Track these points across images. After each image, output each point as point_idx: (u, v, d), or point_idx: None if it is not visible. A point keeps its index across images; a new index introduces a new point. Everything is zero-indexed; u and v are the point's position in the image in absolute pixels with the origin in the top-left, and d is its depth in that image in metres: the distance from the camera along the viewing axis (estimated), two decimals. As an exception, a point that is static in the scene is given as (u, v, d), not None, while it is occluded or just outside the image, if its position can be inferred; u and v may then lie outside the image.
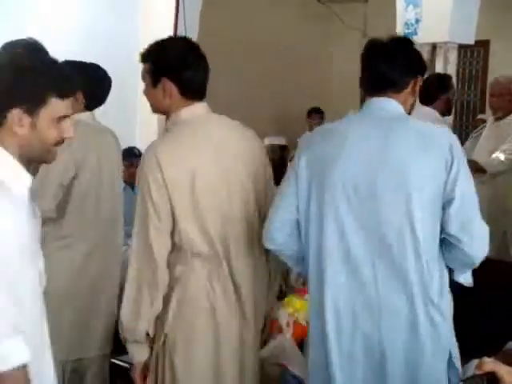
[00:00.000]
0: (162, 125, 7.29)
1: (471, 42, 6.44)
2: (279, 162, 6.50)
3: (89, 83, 3.29)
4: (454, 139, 2.46)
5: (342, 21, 8.92)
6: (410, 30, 6.26)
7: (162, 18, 7.18)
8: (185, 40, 2.84)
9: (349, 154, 2.46)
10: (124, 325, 2.57)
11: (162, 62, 2.68)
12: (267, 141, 6.68)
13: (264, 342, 2.81)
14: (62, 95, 1.93)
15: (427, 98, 4.83)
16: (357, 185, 2.43)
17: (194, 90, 2.68)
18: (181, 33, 7.02)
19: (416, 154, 2.40)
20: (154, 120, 7.40)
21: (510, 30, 8.21)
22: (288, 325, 3.14)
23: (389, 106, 2.54)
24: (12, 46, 2.40)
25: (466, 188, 2.40)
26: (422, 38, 6.01)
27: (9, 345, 1.76)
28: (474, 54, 8.77)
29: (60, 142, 1.96)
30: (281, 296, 4.07)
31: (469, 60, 8.87)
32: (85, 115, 3.46)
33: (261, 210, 2.69)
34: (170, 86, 2.62)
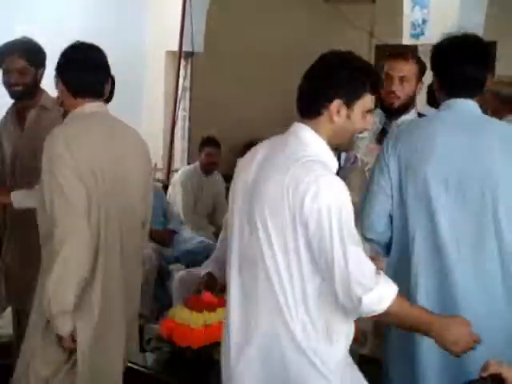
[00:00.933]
0: (168, 124, 7.35)
1: (478, 42, 6.43)
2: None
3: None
4: None
5: (350, 21, 8.91)
6: (416, 31, 6.25)
7: (169, 18, 7.19)
8: (80, 43, 3.09)
9: (440, 153, 2.58)
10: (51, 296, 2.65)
11: (58, 64, 3.00)
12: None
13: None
14: (374, 91, 2.25)
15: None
16: (447, 182, 2.56)
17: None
18: (187, 33, 7.03)
19: (502, 156, 2.56)
20: (160, 119, 7.43)
21: (518, 32, 8.19)
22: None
23: (472, 106, 2.70)
24: None
25: None
26: (428, 39, 5.99)
27: (380, 289, 2.08)
28: (482, 55, 8.74)
29: (361, 132, 2.34)
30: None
31: (476, 61, 8.84)
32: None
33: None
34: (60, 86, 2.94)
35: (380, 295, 2.09)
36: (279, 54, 8.60)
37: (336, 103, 2.20)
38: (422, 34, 6.18)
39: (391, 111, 3.50)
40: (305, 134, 2.24)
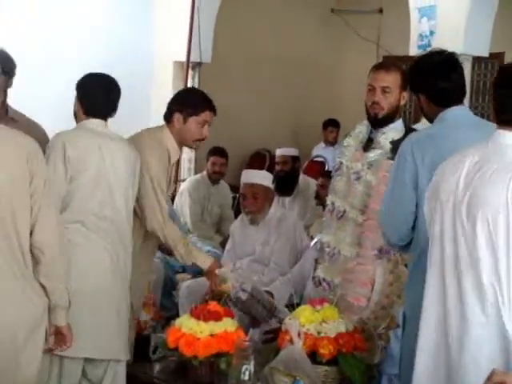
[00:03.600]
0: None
1: (486, 54, 6.44)
2: (291, 172, 6.51)
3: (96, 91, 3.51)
4: None
5: (357, 32, 8.93)
6: (424, 42, 6.27)
7: (177, 29, 7.21)
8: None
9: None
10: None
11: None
12: (279, 152, 6.68)
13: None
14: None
15: None
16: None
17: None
18: (195, 44, 7.06)
19: None
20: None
21: (525, 43, 8.19)
22: (299, 335, 3.14)
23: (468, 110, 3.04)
24: None
25: None
26: (435, 50, 6.01)
27: None
28: (489, 66, 8.75)
29: None
30: (293, 307, 4.07)
31: (483, 72, 8.84)
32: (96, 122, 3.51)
33: None
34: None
35: None
36: (287, 65, 8.62)
37: None
38: (429, 45, 6.19)
39: (376, 121, 3.53)
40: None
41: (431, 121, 3.05)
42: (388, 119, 3.51)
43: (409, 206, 2.86)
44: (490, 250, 2.21)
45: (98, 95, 3.50)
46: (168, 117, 3.82)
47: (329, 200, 3.66)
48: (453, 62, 3.04)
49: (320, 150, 8.41)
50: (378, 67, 3.61)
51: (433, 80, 2.97)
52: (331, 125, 8.58)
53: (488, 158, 2.28)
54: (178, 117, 3.78)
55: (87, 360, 3.30)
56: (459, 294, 2.27)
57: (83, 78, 3.55)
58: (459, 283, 2.28)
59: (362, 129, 3.63)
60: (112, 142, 3.47)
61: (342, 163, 3.63)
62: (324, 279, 3.59)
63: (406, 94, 3.53)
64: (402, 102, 3.56)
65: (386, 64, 3.66)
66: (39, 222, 2.61)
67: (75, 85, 3.54)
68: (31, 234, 2.61)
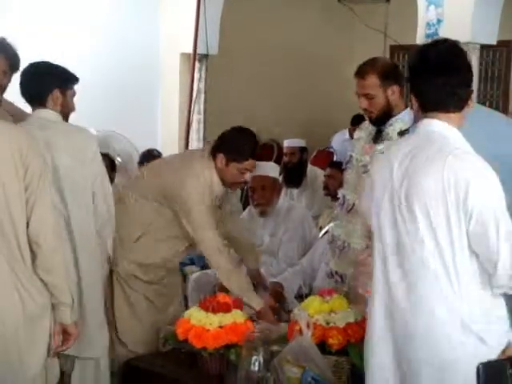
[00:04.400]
0: (183, 126, 7.35)
1: (493, 42, 6.40)
2: (299, 163, 6.50)
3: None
4: None
5: (363, 21, 8.89)
6: (431, 31, 6.23)
7: (183, 21, 7.20)
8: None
9: None
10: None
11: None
12: (286, 143, 6.67)
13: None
14: None
15: None
16: None
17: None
18: (202, 35, 7.04)
19: None
20: (175, 122, 7.44)
21: (533, 30, 8.14)
22: (308, 326, 3.14)
23: None
24: None
25: None
26: (443, 39, 5.98)
27: None
28: (497, 54, 8.70)
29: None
30: (302, 298, 4.07)
31: (491, 60, 8.80)
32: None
33: None
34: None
35: None
36: (293, 55, 8.60)
37: None
38: (437, 33, 6.15)
39: (375, 122, 3.53)
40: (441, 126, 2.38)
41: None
42: (385, 117, 3.47)
43: None
44: (432, 236, 2.29)
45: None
46: (213, 152, 3.79)
47: (340, 193, 3.67)
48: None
49: (340, 141, 8.22)
50: (355, 74, 3.52)
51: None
52: (360, 120, 8.39)
53: (420, 145, 2.36)
54: (221, 158, 3.76)
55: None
56: (403, 278, 2.36)
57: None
58: (403, 268, 2.36)
59: (363, 134, 3.63)
60: None
61: (351, 156, 3.63)
62: (336, 272, 3.60)
63: (395, 87, 3.46)
64: (393, 97, 3.46)
65: (361, 69, 3.49)
66: (34, 214, 2.57)
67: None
68: (27, 226, 2.58)
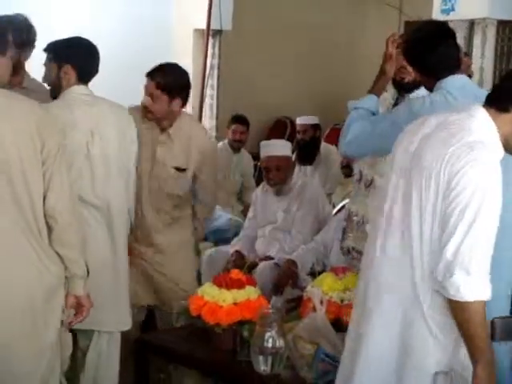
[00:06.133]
0: (196, 102, 7.30)
1: (511, 17, 6.33)
2: (312, 140, 6.48)
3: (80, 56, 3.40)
4: None
5: (378, -2, 8.80)
6: (447, 6, 6.17)
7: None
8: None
9: None
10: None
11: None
12: (299, 120, 6.64)
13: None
14: None
15: None
16: None
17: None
18: (215, 11, 7.00)
19: None
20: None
21: (551, 6, 8.04)
22: (321, 303, 3.14)
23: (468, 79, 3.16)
24: None
25: None
26: (459, 15, 5.92)
27: (477, 280, 2.09)
28: (514, 30, 8.60)
29: None
30: (315, 275, 4.07)
31: (508, 36, 8.69)
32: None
33: None
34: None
35: (473, 284, 2.08)
36: (307, 32, 8.53)
37: None
38: (453, 9, 6.09)
39: (402, 86, 3.48)
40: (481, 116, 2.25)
41: (431, 90, 3.05)
42: (414, 83, 3.45)
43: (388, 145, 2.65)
44: (419, 214, 2.21)
45: (90, 60, 3.43)
46: None
47: (356, 169, 3.64)
48: (441, 34, 3.02)
49: None
50: (401, 35, 3.54)
51: (419, 53, 2.99)
52: None
53: (444, 125, 2.26)
54: None
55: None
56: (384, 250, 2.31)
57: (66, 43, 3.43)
58: (385, 240, 2.31)
59: (388, 95, 3.58)
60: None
61: None
62: (353, 248, 3.58)
63: None
64: None
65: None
66: (51, 188, 2.60)
67: (52, 51, 3.41)
68: (44, 201, 2.61)
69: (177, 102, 3.80)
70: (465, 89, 2.94)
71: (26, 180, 2.55)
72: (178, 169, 3.84)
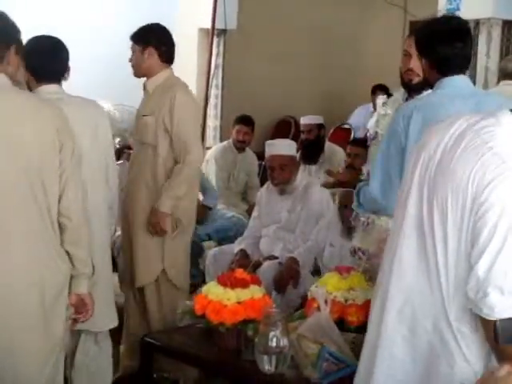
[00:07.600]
0: (200, 101, 7.31)
1: (516, 17, 6.32)
2: (316, 140, 6.48)
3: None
4: None
5: (383, -3, 8.80)
6: (452, 6, 6.16)
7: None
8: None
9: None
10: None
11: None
12: (303, 120, 6.64)
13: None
14: None
15: None
16: None
17: None
18: (220, 10, 7.00)
19: None
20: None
21: (556, 6, 8.02)
22: (326, 302, 3.13)
23: (468, 81, 3.07)
24: None
25: None
26: (464, 14, 5.89)
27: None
28: (519, 30, 8.59)
29: None
30: (318, 274, 4.07)
31: (513, 36, 8.69)
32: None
33: None
34: None
35: (508, 304, 1.99)
36: (312, 32, 8.53)
37: None
38: (458, 9, 6.08)
39: (411, 87, 3.47)
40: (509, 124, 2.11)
41: (432, 87, 3.04)
42: (423, 84, 3.44)
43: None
44: (442, 225, 2.09)
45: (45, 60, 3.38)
46: None
47: (365, 170, 3.64)
48: (461, 31, 2.99)
49: (364, 115, 7.97)
50: (411, 33, 3.52)
51: (435, 45, 2.95)
52: (379, 89, 8.31)
53: (473, 130, 2.11)
54: None
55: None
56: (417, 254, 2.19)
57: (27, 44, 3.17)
58: (405, 249, 2.20)
59: (398, 96, 3.57)
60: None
61: (377, 132, 3.59)
62: (359, 248, 3.58)
63: None
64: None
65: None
66: (66, 190, 2.67)
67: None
68: (59, 201, 2.67)
69: (150, 51, 3.81)
70: (463, 89, 2.94)
71: (44, 182, 2.62)
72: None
